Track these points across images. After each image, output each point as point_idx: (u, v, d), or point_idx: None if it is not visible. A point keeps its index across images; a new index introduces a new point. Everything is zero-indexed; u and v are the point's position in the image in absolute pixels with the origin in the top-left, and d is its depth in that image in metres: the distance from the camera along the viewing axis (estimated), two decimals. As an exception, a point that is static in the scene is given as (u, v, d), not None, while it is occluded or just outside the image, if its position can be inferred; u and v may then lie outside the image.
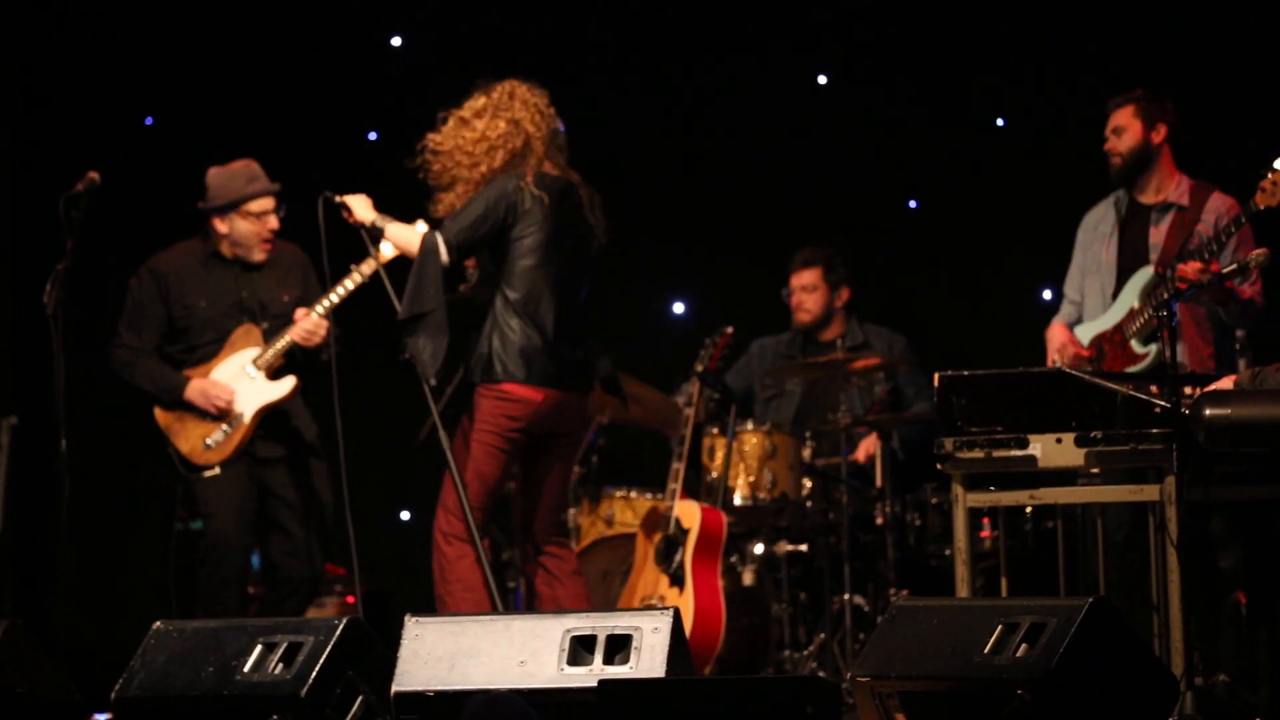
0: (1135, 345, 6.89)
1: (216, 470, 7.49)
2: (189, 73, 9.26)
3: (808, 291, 8.80)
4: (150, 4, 9.23)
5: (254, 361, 7.54)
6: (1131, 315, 6.92)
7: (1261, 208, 6.58)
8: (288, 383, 7.56)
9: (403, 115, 7.21)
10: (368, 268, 7.29)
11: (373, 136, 9.51)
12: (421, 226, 7.06)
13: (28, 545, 8.88)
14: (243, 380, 7.53)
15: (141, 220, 8.46)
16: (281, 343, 7.51)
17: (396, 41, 9.52)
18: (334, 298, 7.43)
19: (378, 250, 7.04)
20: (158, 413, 7.56)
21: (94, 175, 7.12)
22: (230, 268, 7.66)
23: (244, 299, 7.64)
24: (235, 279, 7.65)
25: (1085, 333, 7.07)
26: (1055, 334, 7.15)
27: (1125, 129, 7.08)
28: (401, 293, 6.86)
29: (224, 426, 7.50)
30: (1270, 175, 6.52)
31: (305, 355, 7.52)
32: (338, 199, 7.02)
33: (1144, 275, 6.93)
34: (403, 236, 7.01)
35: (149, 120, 9.43)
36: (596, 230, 7.10)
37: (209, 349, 7.59)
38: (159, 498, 7.89)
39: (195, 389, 7.50)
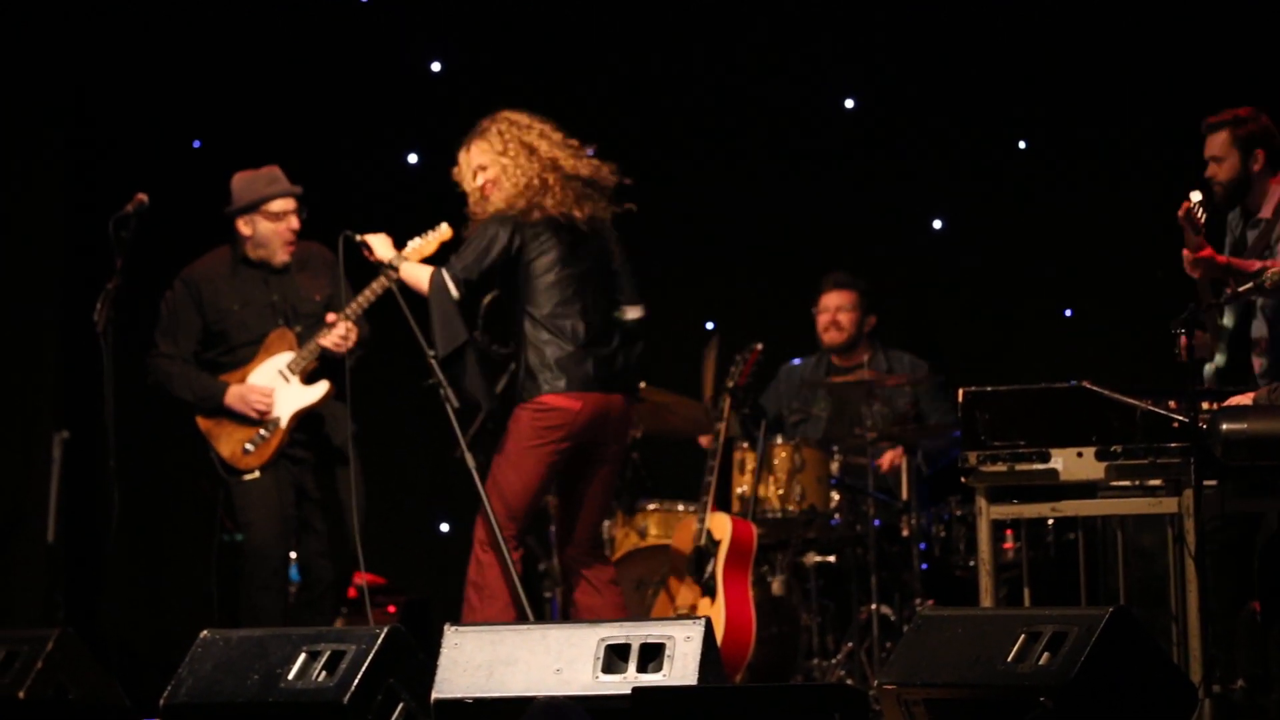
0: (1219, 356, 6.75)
1: (256, 474, 7.56)
2: (235, 97, 9.34)
3: (843, 311, 8.79)
4: (198, 31, 9.31)
5: (288, 366, 7.60)
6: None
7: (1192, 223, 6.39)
8: (321, 387, 7.61)
9: (442, 139, 7.32)
10: (394, 272, 7.28)
11: (412, 159, 9.63)
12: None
13: (79, 556, 8.96)
14: (278, 384, 7.59)
15: (189, 240, 8.56)
16: (315, 347, 7.56)
17: (436, 67, 9.59)
18: (362, 301, 7.46)
19: (396, 270, 7.15)
20: (199, 418, 7.63)
21: (142, 197, 7.23)
22: (258, 271, 7.71)
23: (275, 301, 7.69)
24: (265, 282, 7.70)
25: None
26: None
27: (1223, 159, 6.70)
28: (418, 319, 6.94)
29: (261, 431, 7.56)
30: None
31: (337, 359, 7.56)
32: (358, 238, 7.11)
33: None
34: (414, 275, 7.10)
35: (197, 143, 9.54)
36: (610, 243, 7.16)
37: (248, 350, 7.65)
38: (205, 510, 8.01)
39: (234, 394, 7.56)
